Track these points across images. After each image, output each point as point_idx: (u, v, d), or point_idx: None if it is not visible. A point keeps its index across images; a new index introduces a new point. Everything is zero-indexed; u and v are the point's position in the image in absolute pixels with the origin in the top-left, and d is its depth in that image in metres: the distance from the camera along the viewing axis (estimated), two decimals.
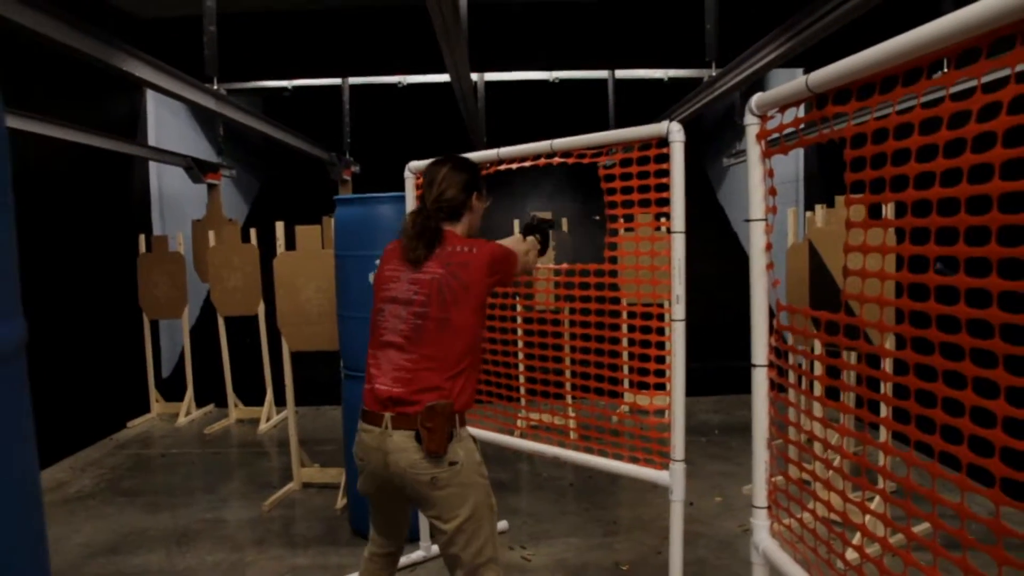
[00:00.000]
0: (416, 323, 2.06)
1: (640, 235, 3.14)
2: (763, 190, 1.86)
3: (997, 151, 1.14)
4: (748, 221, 1.89)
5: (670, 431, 2.46)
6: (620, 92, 6.88)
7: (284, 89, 6.69)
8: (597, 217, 2.70)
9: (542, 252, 2.61)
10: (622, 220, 2.64)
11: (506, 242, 2.38)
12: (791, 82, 1.64)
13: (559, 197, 8.54)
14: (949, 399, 1.31)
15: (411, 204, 3.38)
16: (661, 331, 4.36)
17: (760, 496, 1.95)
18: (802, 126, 1.73)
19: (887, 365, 2.91)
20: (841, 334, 1.63)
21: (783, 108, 1.73)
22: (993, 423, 1.22)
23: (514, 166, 2.89)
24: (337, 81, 6.57)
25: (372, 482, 2.14)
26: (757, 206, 1.87)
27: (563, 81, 6.83)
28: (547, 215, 2.72)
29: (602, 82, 6.84)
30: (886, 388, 1.61)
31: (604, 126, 6.79)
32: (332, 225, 4.24)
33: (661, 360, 2.85)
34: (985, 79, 1.19)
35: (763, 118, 1.83)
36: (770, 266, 1.88)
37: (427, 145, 3.95)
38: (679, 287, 2.37)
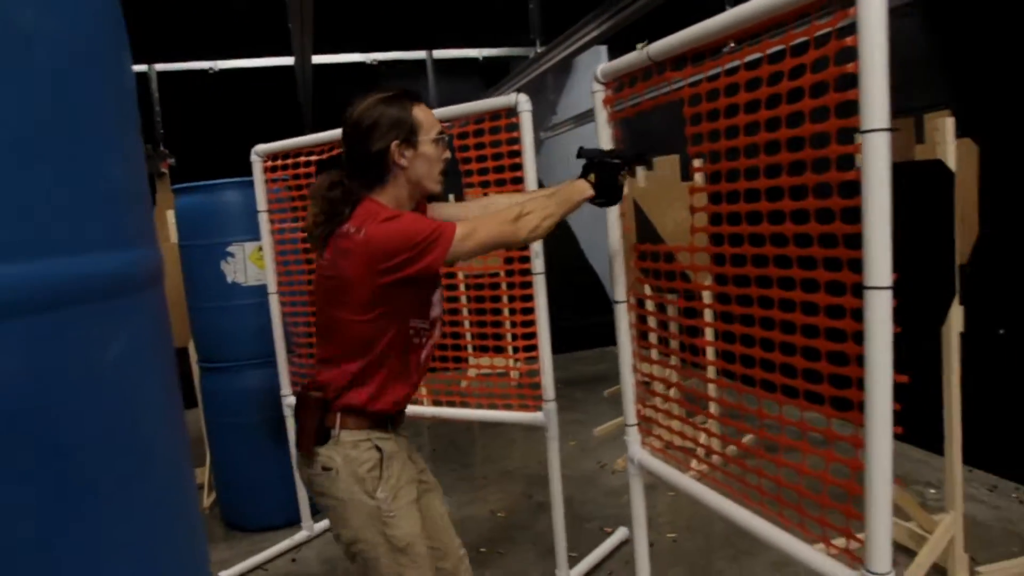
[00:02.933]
0: (317, 315, 1.83)
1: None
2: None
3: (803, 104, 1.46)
4: None
5: (540, 376, 2.71)
6: (438, 72, 7.05)
7: None
8: None
9: (605, 199, 1.87)
10: (478, 188, 2.83)
11: (501, 201, 1.92)
12: (632, 53, 1.90)
13: None
14: (765, 338, 1.67)
15: (260, 190, 3.38)
16: (496, 298, 4.61)
17: (631, 415, 2.24)
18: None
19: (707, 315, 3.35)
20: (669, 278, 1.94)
21: (627, 76, 1.99)
22: (794, 351, 1.58)
23: None
24: (143, 68, 6.21)
25: None
26: None
27: (382, 63, 6.89)
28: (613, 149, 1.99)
29: (420, 63, 6.97)
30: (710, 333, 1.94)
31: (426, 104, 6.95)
32: (167, 219, 4.10)
33: (499, 324, 3.08)
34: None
35: (607, 84, 2.09)
36: (623, 214, 2.16)
37: (246, 133, 3.90)
38: (536, 242, 2.61)
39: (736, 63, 1.61)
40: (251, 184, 3.38)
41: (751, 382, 1.74)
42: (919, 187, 2.47)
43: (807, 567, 1.59)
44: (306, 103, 5.55)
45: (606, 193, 1.85)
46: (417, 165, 1.73)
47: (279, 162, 3.33)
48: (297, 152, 3.27)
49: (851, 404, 1.44)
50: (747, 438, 1.95)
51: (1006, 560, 2.78)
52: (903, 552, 2.86)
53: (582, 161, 1.91)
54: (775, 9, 1.44)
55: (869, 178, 1.30)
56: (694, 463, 2.13)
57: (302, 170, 3.25)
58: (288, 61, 6.38)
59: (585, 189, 1.83)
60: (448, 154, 1.83)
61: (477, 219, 1.73)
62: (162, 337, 0.87)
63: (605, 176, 1.84)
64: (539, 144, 8.75)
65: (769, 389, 1.66)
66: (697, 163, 3.24)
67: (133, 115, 0.93)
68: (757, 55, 1.56)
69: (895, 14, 3.70)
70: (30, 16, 0.71)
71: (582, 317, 6.74)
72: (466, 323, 4.51)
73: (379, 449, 1.74)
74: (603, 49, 7.04)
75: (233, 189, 3.60)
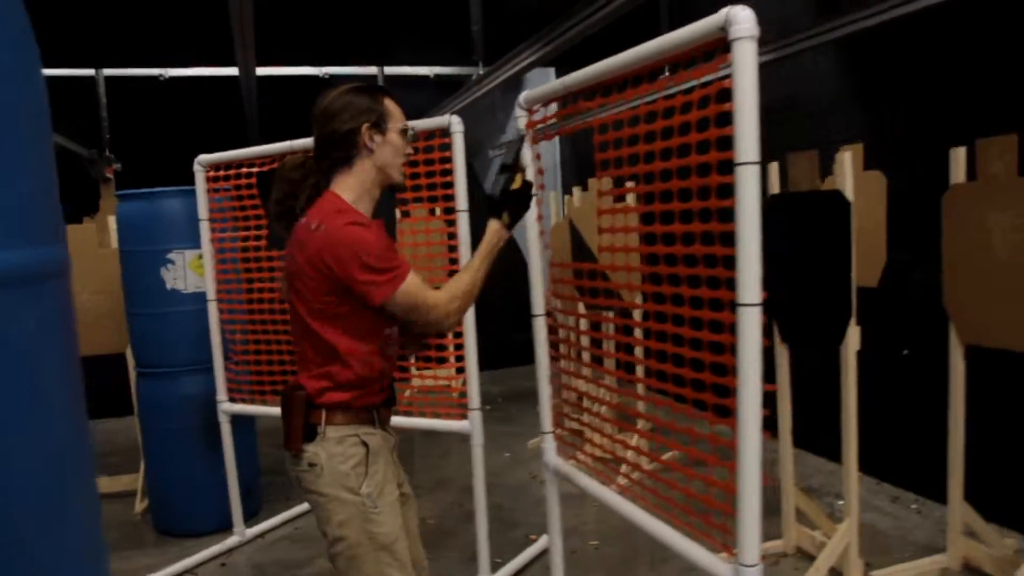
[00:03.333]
0: (290, 315, 1.83)
1: (416, 217, 3.49)
2: (533, 171, 2.26)
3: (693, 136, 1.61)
4: None
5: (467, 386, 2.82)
6: (390, 87, 7.17)
7: None
8: None
9: (516, 220, 1.92)
10: (412, 203, 2.95)
11: (450, 283, 1.80)
12: (551, 82, 2.04)
13: None
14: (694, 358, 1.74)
15: (202, 199, 3.44)
16: None
17: (547, 423, 2.36)
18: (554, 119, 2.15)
19: (639, 331, 3.50)
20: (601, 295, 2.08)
21: (546, 103, 2.14)
22: (682, 363, 1.69)
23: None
24: (91, 72, 6.19)
25: None
26: None
27: (333, 76, 6.97)
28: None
29: (372, 78, 7.07)
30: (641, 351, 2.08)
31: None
32: (108, 224, 4.12)
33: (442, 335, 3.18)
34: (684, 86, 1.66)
35: (530, 111, 2.23)
36: (542, 232, 2.29)
37: (194, 140, 3.95)
38: (466, 256, 2.74)
39: (638, 99, 1.76)
40: (193, 193, 3.44)
41: (650, 390, 1.88)
42: (820, 215, 2.67)
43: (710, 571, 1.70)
44: (251, 114, 5.60)
45: (515, 214, 1.90)
46: (384, 151, 1.78)
47: (222, 172, 3.40)
48: (240, 163, 3.34)
49: (729, 411, 1.59)
50: (669, 455, 2.09)
51: (899, 564, 2.97)
52: (809, 559, 3.03)
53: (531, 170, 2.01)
54: (662, 53, 1.60)
55: (742, 206, 1.45)
56: (591, 460, 2.26)
57: (244, 181, 3.32)
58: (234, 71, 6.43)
59: (497, 233, 1.85)
60: (412, 150, 1.90)
61: (434, 294, 1.74)
62: (65, 325, 0.97)
63: (511, 207, 1.89)
64: (489, 161, 8.90)
65: (662, 395, 1.80)
66: (628, 184, 3.40)
67: (45, 126, 1.02)
68: (655, 93, 1.72)
69: (816, 51, 3.91)
70: None
71: (522, 332, 6.88)
72: None
73: (365, 444, 1.77)
74: (551, 71, 7.24)
75: (175, 197, 3.65)
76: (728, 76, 1.45)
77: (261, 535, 3.72)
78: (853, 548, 2.83)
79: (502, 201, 1.88)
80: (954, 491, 2.90)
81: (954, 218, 2.71)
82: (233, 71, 6.38)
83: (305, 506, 3.93)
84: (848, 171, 2.63)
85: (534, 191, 2.01)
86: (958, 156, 2.71)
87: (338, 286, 1.67)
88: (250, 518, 3.82)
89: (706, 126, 1.56)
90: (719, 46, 1.49)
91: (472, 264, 1.83)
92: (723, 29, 1.43)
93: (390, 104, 1.81)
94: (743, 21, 1.41)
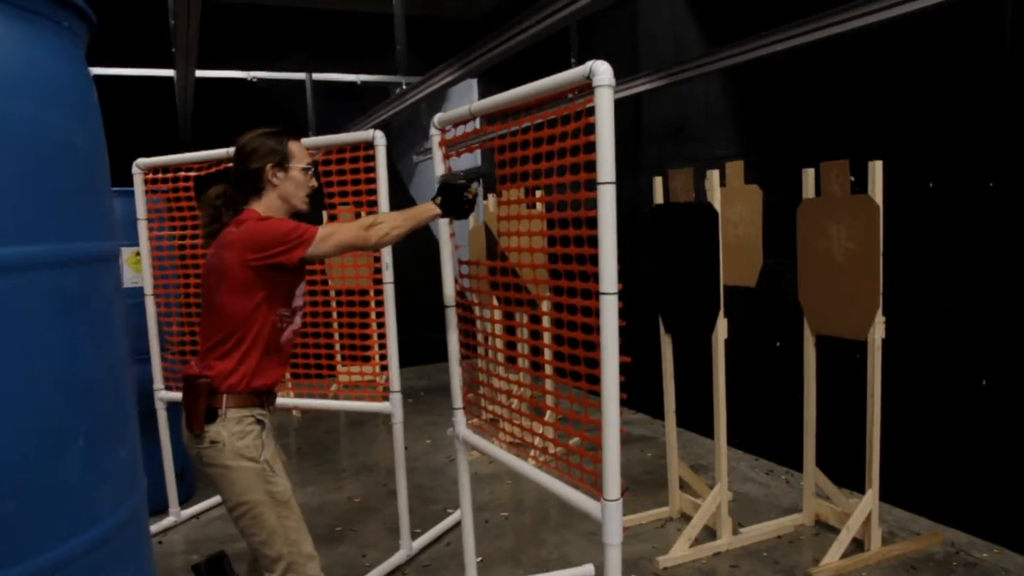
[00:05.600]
0: (203, 306, 2.13)
1: (343, 219, 3.82)
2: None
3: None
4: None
5: (388, 371, 3.17)
6: (317, 93, 7.40)
7: None
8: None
9: (453, 213, 2.27)
10: (339, 208, 3.27)
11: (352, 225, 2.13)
12: (461, 107, 2.41)
13: None
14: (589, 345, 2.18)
15: (140, 200, 3.67)
16: (366, 315, 5.01)
17: (457, 400, 2.73)
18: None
19: (545, 322, 3.91)
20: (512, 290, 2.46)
21: (455, 125, 2.50)
22: (562, 341, 2.09)
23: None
24: None
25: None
26: None
27: (262, 80, 7.16)
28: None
29: (300, 83, 7.29)
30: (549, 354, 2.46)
31: (304, 124, 7.28)
32: None
33: (367, 337, 3.52)
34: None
35: (443, 130, 2.59)
36: (453, 234, 2.66)
37: (126, 142, 4.13)
38: (387, 256, 3.08)
39: (528, 124, 2.15)
40: (131, 193, 3.67)
41: (538, 368, 2.26)
42: (693, 223, 3.12)
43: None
44: (184, 116, 5.78)
45: (453, 210, 2.25)
46: (286, 185, 2.14)
47: (159, 175, 3.64)
48: (177, 167, 3.59)
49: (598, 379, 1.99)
50: (581, 441, 2.44)
51: (764, 522, 3.45)
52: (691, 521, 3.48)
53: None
54: (544, 92, 2.00)
55: (602, 216, 1.85)
56: (505, 446, 2.63)
57: (181, 184, 3.57)
58: (167, 73, 6.56)
59: (432, 208, 2.22)
60: (315, 183, 2.24)
61: (337, 225, 2.11)
62: (119, 284, 1.42)
63: (450, 196, 2.23)
64: (414, 166, 9.22)
65: (553, 372, 2.19)
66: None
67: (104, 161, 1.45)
68: (540, 120, 2.11)
69: (705, 78, 4.42)
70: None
71: (440, 332, 7.22)
72: (336, 335, 4.91)
73: (259, 422, 2.09)
74: (474, 82, 7.63)
75: (114, 197, 3.86)
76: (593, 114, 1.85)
77: (196, 516, 3.96)
78: (723, 508, 3.29)
79: (449, 190, 2.23)
80: (808, 459, 3.40)
81: (804, 227, 3.21)
82: (163, 72, 6.54)
83: None
84: (716, 186, 3.09)
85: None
86: (808, 175, 3.21)
87: (259, 266, 1.99)
88: (184, 501, 4.05)
89: (578, 151, 1.96)
90: (585, 90, 1.89)
91: (400, 212, 2.18)
92: (588, 78, 1.83)
93: (294, 146, 2.17)
94: (603, 73, 1.81)
